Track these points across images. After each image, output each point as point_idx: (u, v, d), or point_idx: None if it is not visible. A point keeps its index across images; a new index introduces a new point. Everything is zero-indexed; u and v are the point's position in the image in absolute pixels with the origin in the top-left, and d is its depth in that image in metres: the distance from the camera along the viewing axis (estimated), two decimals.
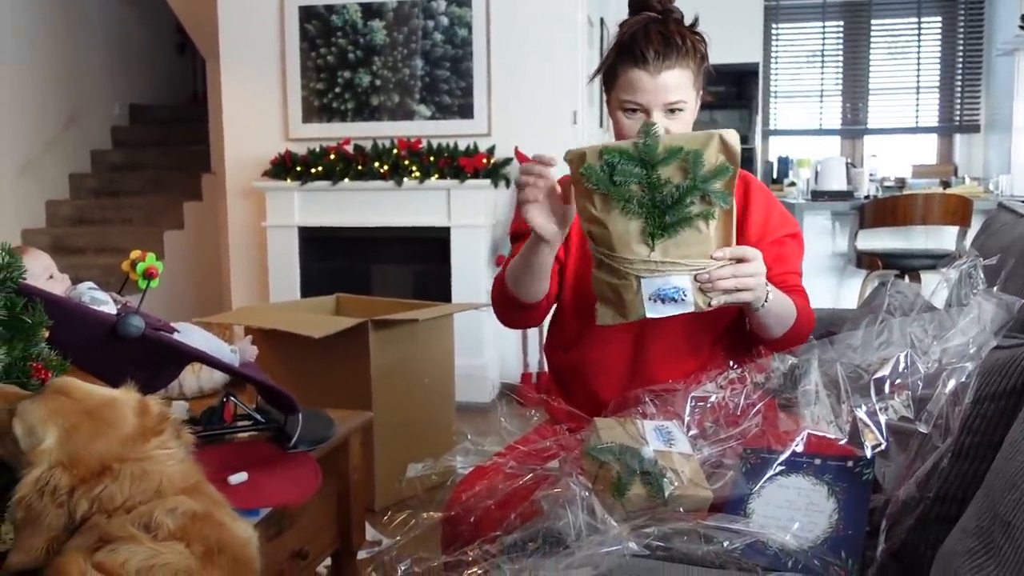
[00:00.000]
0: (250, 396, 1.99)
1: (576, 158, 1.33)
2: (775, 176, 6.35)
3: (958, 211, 4.51)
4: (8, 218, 5.50)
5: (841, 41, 6.98)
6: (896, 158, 6.70)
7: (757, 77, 6.71)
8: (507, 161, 4.26)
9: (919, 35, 6.84)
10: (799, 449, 1.28)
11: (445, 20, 4.34)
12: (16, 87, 5.49)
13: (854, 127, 7.01)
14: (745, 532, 1.18)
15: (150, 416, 1.23)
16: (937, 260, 4.44)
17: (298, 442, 1.78)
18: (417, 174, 4.27)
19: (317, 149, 4.41)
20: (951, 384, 1.21)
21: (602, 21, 5.04)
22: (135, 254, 1.68)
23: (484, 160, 4.23)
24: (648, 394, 1.42)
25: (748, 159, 6.44)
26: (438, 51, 4.37)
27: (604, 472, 1.27)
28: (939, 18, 6.80)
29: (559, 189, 1.42)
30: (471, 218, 4.27)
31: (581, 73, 4.22)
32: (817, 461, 1.27)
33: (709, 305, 1.33)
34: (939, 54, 6.80)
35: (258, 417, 1.89)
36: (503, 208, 4.38)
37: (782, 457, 1.28)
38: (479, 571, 1.23)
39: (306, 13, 4.47)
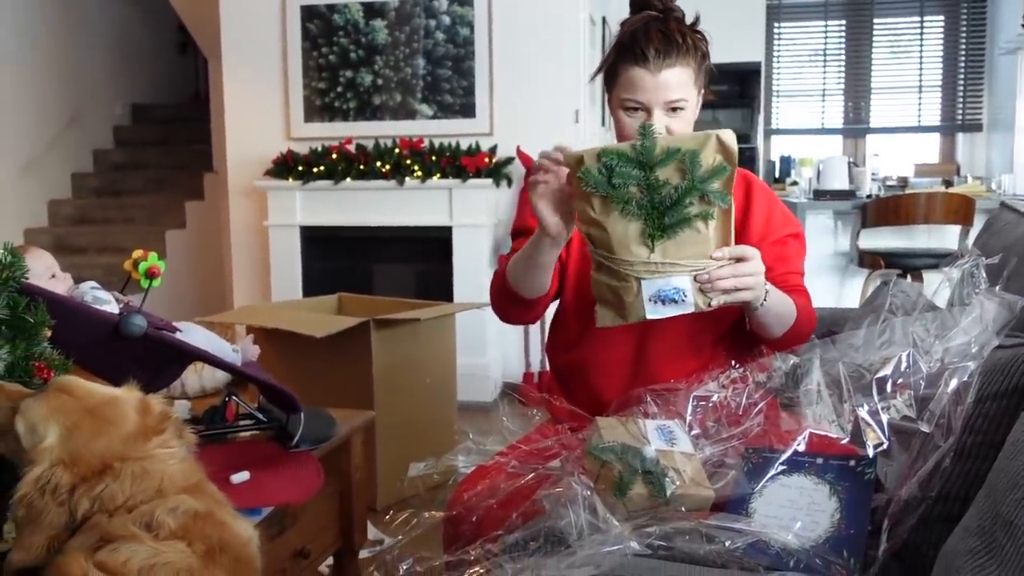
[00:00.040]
0: (252, 395, 1.99)
1: (574, 161, 1.33)
2: (777, 175, 6.35)
3: (960, 210, 4.50)
4: (10, 217, 5.50)
5: (843, 40, 6.98)
6: (898, 157, 6.70)
7: (759, 76, 6.71)
8: (509, 160, 4.26)
9: (921, 34, 6.84)
10: (801, 448, 1.28)
11: (447, 19, 4.34)
12: (18, 87, 5.50)
13: (856, 126, 7.00)
14: (747, 531, 1.18)
15: (152, 415, 1.23)
16: (939, 259, 4.44)
17: (300, 441, 1.78)
18: (419, 173, 4.27)
19: (319, 148, 4.41)
20: (953, 383, 1.21)
21: (604, 20, 5.04)
22: (137, 253, 1.68)
23: (486, 159, 4.23)
24: (650, 393, 1.42)
25: (750, 158, 6.44)
26: (440, 50, 4.37)
27: (606, 471, 1.27)
28: (941, 17, 6.80)
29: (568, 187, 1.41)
30: (473, 217, 4.27)
31: (583, 72, 4.22)
32: (819, 460, 1.27)
33: (709, 305, 1.33)
34: (941, 53, 6.79)
35: (260, 416, 1.89)
36: (505, 207, 4.38)
37: (784, 456, 1.28)
38: (481, 570, 1.23)
39: (308, 12, 4.47)
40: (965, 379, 1.21)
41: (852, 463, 1.25)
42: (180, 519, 1.14)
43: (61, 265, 1.86)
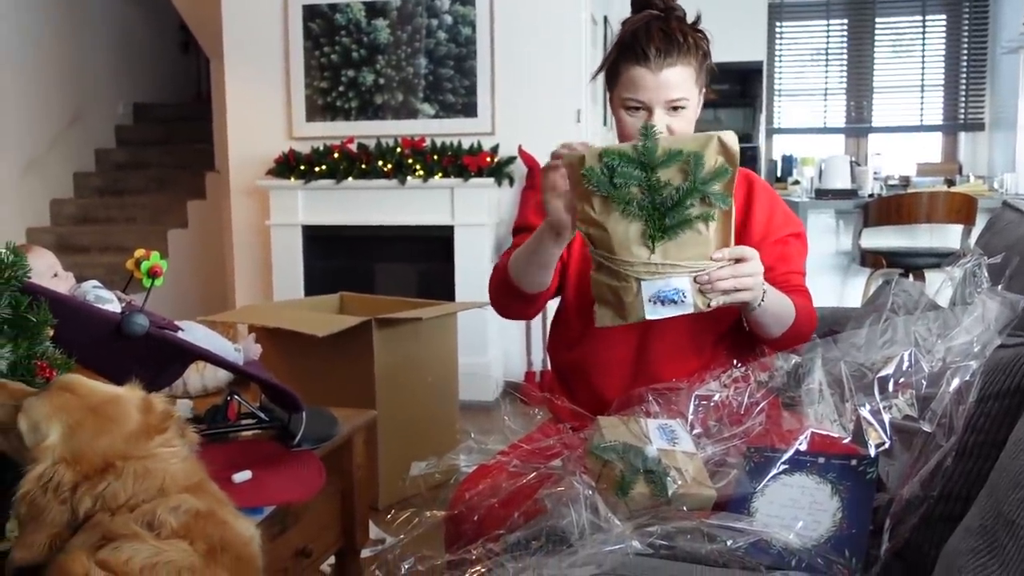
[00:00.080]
0: (254, 394, 1.99)
1: (575, 161, 1.33)
2: (779, 174, 6.35)
3: (962, 209, 4.50)
4: (12, 217, 5.51)
5: (845, 39, 6.97)
6: (900, 156, 6.70)
7: (761, 75, 6.71)
8: (511, 160, 4.26)
9: (923, 33, 6.83)
10: (803, 448, 1.28)
11: (449, 19, 4.35)
12: (20, 86, 5.50)
13: (858, 125, 7.00)
14: (749, 531, 1.18)
15: (154, 414, 1.23)
16: (941, 258, 4.44)
17: (302, 440, 1.78)
18: (421, 173, 4.27)
19: (321, 148, 4.41)
20: (955, 383, 1.21)
21: (606, 19, 5.04)
22: (139, 252, 1.68)
23: (488, 159, 4.23)
24: (652, 393, 1.42)
25: (752, 157, 6.44)
26: (442, 50, 4.37)
27: (608, 471, 1.27)
28: (943, 16, 6.80)
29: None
30: (475, 217, 4.27)
31: (585, 72, 4.22)
32: (821, 460, 1.27)
33: (708, 306, 1.33)
34: (943, 52, 6.79)
35: (262, 416, 1.89)
36: (507, 207, 4.38)
37: (786, 456, 1.28)
38: (482, 569, 1.23)
39: (310, 12, 4.47)
40: (967, 378, 1.21)
41: (854, 462, 1.25)
42: (182, 518, 1.15)
43: (63, 264, 1.87)
